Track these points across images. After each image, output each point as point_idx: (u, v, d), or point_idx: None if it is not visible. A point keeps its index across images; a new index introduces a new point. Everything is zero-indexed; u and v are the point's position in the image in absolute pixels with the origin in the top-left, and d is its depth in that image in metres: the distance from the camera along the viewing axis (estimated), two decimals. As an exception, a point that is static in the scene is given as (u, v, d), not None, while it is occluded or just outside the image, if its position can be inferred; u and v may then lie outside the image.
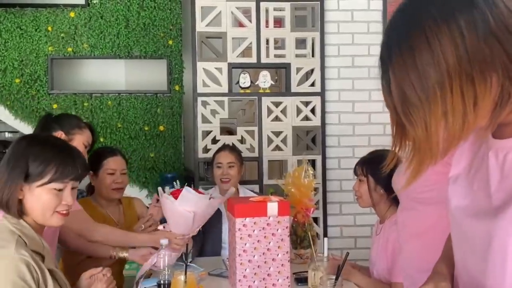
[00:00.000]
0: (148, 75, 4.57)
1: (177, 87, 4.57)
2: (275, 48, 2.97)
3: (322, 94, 2.99)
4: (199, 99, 2.93)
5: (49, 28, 4.22)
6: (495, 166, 0.75)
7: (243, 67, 2.99)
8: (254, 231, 1.66)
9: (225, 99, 2.94)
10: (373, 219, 2.14)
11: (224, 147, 2.53)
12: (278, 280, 1.67)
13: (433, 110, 0.67)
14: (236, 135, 2.96)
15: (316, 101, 2.99)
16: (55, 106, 4.27)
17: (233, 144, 2.83)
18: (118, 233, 1.90)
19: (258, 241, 1.66)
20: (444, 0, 0.66)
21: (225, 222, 2.36)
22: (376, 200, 1.82)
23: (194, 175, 5.47)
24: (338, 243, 3.01)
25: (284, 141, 2.98)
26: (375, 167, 1.80)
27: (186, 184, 5.09)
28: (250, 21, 2.95)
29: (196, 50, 2.92)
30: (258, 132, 2.96)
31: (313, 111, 3.00)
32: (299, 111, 2.99)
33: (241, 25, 3.03)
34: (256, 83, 2.97)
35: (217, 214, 2.36)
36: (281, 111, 2.97)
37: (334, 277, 1.38)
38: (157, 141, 4.50)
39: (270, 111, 2.97)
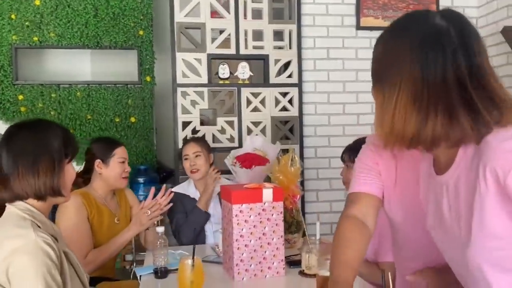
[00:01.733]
0: (118, 65, 4.49)
1: (148, 78, 4.52)
2: (254, 39, 3.02)
3: (299, 85, 3.07)
4: (179, 89, 2.94)
5: (13, 16, 4.07)
6: (445, 194, 0.93)
7: (222, 58, 3.01)
8: (250, 216, 1.71)
9: (205, 90, 2.96)
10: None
11: (189, 139, 2.57)
12: (273, 263, 1.74)
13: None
14: (216, 125, 2.99)
15: (293, 92, 3.07)
16: (20, 97, 4.13)
17: (200, 136, 2.85)
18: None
19: (254, 226, 1.72)
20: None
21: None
22: None
23: (166, 167, 5.43)
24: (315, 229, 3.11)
25: (263, 131, 3.04)
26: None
27: (163, 175, 5.01)
28: (229, 12, 2.97)
29: (175, 40, 2.91)
30: (238, 122, 3.00)
31: (290, 101, 3.08)
32: (277, 102, 3.06)
33: (218, 15, 3.05)
34: (235, 74, 3.01)
35: (194, 202, 2.40)
36: (260, 102, 3.03)
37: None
38: (128, 132, 4.44)
39: (249, 102, 3.02)
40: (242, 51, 3.00)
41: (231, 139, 3.00)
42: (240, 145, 2.99)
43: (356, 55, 3.19)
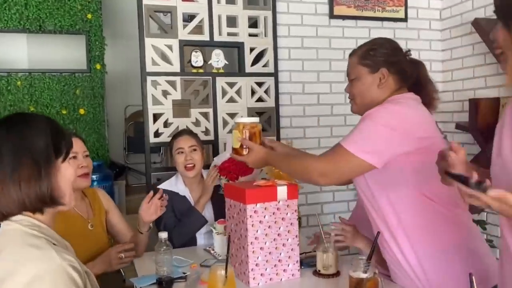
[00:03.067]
0: (64, 52, 4.09)
1: (98, 66, 4.18)
2: (228, 25, 2.84)
3: (275, 75, 2.96)
4: (149, 78, 2.69)
5: None
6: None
7: (195, 45, 2.81)
8: (265, 216, 1.58)
9: (177, 79, 2.74)
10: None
11: (182, 131, 2.37)
12: (288, 265, 1.62)
13: None
14: (190, 117, 2.78)
15: (269, 82, 2.95)
16: (-50, 86, 3.63)
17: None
18: None
19: (269, 226, 1.58)
20: None
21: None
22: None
23: (116, 162, 5.08)
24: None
25: (239, 123, 2.89)
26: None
27: (115, 171, 4.67)
28: (201, -5, 2.77)
29: (144, 24, 2.66)
30: (213, 113, 2.83)
31: (267, 92, 2.96)
32: (253, 92, 2.92)
33: (189, -1, 2.83)
34: (209, 63, 2.82)
35: (186, 201, 2.22)
36: (235, 92, 2.87)
37: (365, 257, 1.37)
38: (77, 125, 4.09)
39: (224, 92, 2.85)
40: (216, 37, 2.81)
41: (206, 132, 2.82)
42: (216, 138, 2.83)
43: (330, 45, 3.14)
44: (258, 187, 1.60)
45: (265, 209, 1.58)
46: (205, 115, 2.82)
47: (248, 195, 1.55)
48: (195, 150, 2.23)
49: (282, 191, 1.60)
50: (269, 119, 2.98)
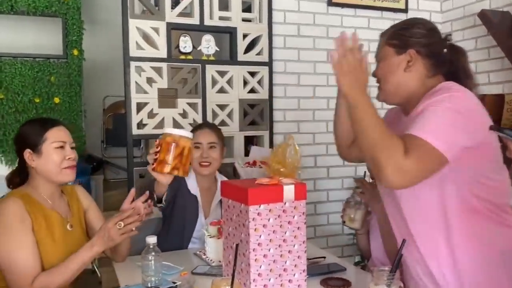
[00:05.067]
0: (38, 36, 3.77)
1: (75, 52, 3.87)
2: (220, 9, 2.62)
3: (269, 64, 2.75)
4: (132, 64, 2.45)
5: None
6: None
7: (184, 28, 2.58)
8: (269, 220, 1.37)
9: (164, 65, 2.51)
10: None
11: (203, 124, 2.15)
12: (294, 275, 1.42)
13: None
14: (177, 108, 2.55)
15: (263, 71, 2.74)
16: None
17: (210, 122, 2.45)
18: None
19: (273, 231, 1.38)
20: None
21: (201, 213, 2.01)
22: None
23: (93, 156, 4.79)
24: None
25: (230, 115, 2.68)
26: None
27: (93, 165, 4.39)
28: (190, -26, 2.54)
29: (128, 3, 2.41)
30: (202, 104, 2.60)
31: (260, 82, 2.75)
32: (245, 82, 2.71)
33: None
34: (198, 49, 2.59)
35: (195, 202, 2.00)
36: (226, 82, 2.65)
37: (388, 269, 1.19)
38: (51, 115, 3.77)
39: (215, 82, 2.63)
40: (207, 21, 2.59)
41: (194, 124, 2.58)
42: (205, 131, 2.60)
43: (327, 34, 2.95)
44: (262, 186, 1.39)
45: (269, 211, 1.37)
46: (193, 106, 2.60)
47: (251, 194, 1.34)
48: (214, 147, 2.03)
49: (289, 190, 1.40)
50: (262, 112, 2.78)
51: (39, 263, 1.49)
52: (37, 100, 3.71)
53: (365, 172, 1.95)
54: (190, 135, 1.53)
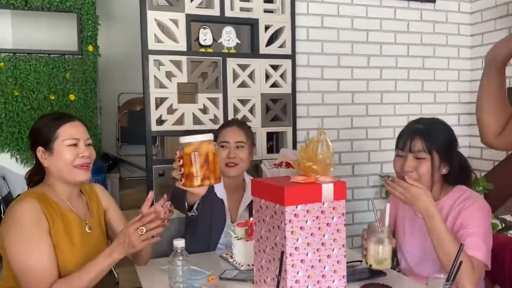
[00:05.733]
0: (53, 31, 3.70)
1: (90, 48, 3.79)
2: (241, 0, 2.51)
3: (292, 57, 2.63)
4: (151, 57, 2.35)
5: None
6: None
7: (204, 20, 2.47)
8: (307, 221, 1.26)
9: (183, 58, 2.41)
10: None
11: (232, 122, 2.02)
12: (333, 281, 1.31)
13: None
14: (197, 103, 2.45)
15: (286, 65, 2.62)
16: None
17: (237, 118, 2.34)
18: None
19: (311, 234, 1.27)
20: None
21: (228, 217, 1.90)
22: (435, 180, 1.55)
23: (109, 153, 4.72)
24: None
25: (252, 110, 2.57)
26: (440, 141, 1.53)
27: (108, 164, 4.32)
28: (211, -36, 2.44)
29: (146, -6, 2.31)
30: (223, 99, 2.49)
31: (283, 76, 2.63)
32: (268, 76, 2.60)
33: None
34: (219, 41, 2.49)
35: (222, 206, 1.90)
36: (248, 76, 2.54)
37: (444, 277, 1.07)
38: (67, 112, 3.69)
39: (236, 75, 2.52)
40: (228, 13, 2.48)
41: (215, 120, 2.49)
42: (226, 127, 2.50)
43: (352, 25, 2.82)
44: (298, 185, 1.28)
45: (307, 212, 1.26)
46: (214, 101, 2.49)
47: (288, 194, 1.23)
48: (242, 147, 1.90)
49: (327, 189, 1.29)
50: (285, 107, 2.66)
51: (55, 268, 1.40)
52: (52, 97, 3.65)
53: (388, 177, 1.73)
54: (209, 136, 1.38)
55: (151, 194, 1.43)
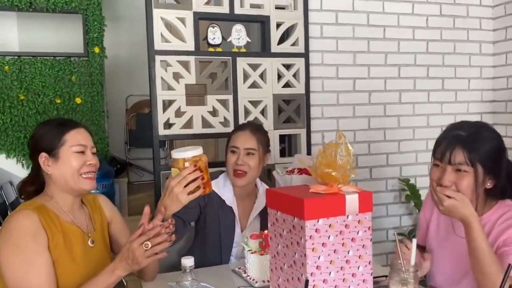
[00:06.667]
0: (58, 33, 3.62)
1: (96, 49, 3.71)
2: (252, -4, 2.39)
3: (306, 55, 2.50)
4: (158, 58, 2.24)
5: None
6: None
7: (212, 18, 2.35)
8: (329, 237, 1.13)
9: (191, 59, 2.29)
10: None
11: (245, 125, 1.88)
12: (359, 303, 1.18)
13: None
14: (206, 105, 2.33)
15: (299, 64, 2.49)
16: None
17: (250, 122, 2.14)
18: None
19: (334, 251, 1.14)
20: None
21: (237, 226, 1.78)
22: (478, 195, 1.35)
23: (117, 157, 4.63)
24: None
25: (263, 112, 2.45)
26: (486, 151, 1.32)
27: (116, 168, 4.22)
28: (219, -41, 2.32)
29: (151, -8, 2.20)
30: (233, 101, 2.37)
31: (295, 76, 2.50)
32: (280, 76, 2.47)
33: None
34: (228, 40, 2.37)
35: (231, 215, 1.78)
36: (259, 76, 2.42)
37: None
38: (73, 116, 3.63)
39: (246, 76, 2.40)
40: (237, 10, 2.36)
41: (225, 122, 2.37)
42: (237, 130, 2.38)
43: (368, 21, 2.68)
44: (319, 196, 1.15)
45: (329, 226, 1.13)
46: (224, 102, 2.37)
47: (308, 206, 1.10)
48: (251, 154, 1.78)
49: (352, 201, 1.16)
50: (298, 109, 2.53)
51: (54, 286, 1.29)
52: (58, 101, 3.57)
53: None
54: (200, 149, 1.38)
55: (147, 209, 1.32)
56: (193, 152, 1.33)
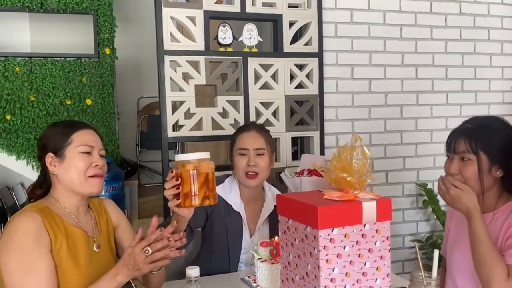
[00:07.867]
0: (69, 34, 3.60)
1: (107, 50, 3.67)
2: (263, -6, 2.32)
3: (319, 55, 2.42)
4: (167, 58, 2.18)
5: None
6: None
7: (223, 17, 2.29)
8: (345, 247, 1.05)
9: (201, 59, 2.23)
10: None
11: (250, 126, 1.81)
12: (376, 319, 1.09)
13: None
14: (216, 106, 2.26)
15: (312, 64, 2.41)
16: None
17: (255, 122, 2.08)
18: None
19: (350, 262, 1.06)
20: None
21: (245, 231, 1.71)
22: (487, 185, 1.35)
23: (128, 159, 4.60)
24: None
25: (275, 114, 2.37)
26: (490, 140, 1.34)
27: (127, 170, 4.18)
28: (230, -44, 2.25)
29: (161, -10, 2.15)
30: (244, 102, 2.30)
31: (309, 76, 2.42)
32: (292, 76, 2.40)
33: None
34: (239, 40, 2.30)
35: (239, 220, 1.71)
36: (271, 76, 2.35)
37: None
38: (83, 118, 3.60)
39: (258, 76, 2.33)
40: (249, 9, 2.29)
41: (236, 124, 2.29)
42: (248, 132, 2.30)
43: (384, 20, 2.59)
44: (334, 203, 1.07)
45: (345, 236, 1.05)
46: (234, 104, 2.30)
47: (322, 214, 1.02)
48: (262, 154, 1.72)
49: (369, 208, 1.07)
50: (311, 110, 2.45)
51: None
52: (68, 102, 3.54)
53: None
54: (207, 155, 1.26)
55: (155, 220, 1.26)
56: (197, 155, 1.24)
